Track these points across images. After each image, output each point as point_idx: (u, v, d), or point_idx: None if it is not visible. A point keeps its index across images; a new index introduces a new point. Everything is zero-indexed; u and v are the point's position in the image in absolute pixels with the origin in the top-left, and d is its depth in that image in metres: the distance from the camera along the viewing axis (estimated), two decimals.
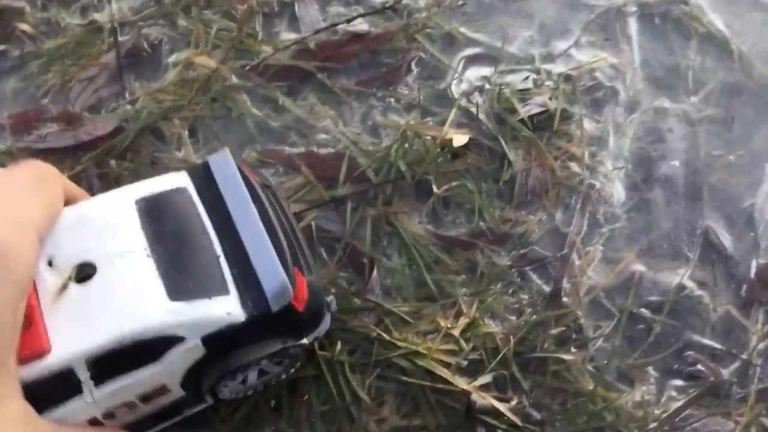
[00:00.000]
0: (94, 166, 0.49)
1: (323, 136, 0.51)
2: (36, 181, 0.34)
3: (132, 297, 0.33)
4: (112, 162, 0.49)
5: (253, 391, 0.41)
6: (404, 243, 0.46)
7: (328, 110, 0.51)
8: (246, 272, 0.36)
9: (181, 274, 0.35)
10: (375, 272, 0.45)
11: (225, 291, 0.35)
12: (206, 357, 0.35)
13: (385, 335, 0.43)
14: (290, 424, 0.41)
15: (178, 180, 0.38)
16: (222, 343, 0.35)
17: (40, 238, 0.33)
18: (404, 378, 0.42)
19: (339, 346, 0.43)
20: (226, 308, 0.35)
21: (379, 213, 0.47)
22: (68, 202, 0.36)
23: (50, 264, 0.34)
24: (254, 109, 0.51)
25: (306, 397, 0.42)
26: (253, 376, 0.39)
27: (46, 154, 0.49)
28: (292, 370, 0.41)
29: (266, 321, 0.36)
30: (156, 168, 0.49)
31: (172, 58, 0.53)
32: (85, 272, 0.34)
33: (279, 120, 0.51)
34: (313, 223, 0.47)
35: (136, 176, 0.48)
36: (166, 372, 0.35)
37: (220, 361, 0.36)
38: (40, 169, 0.35)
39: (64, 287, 0.33)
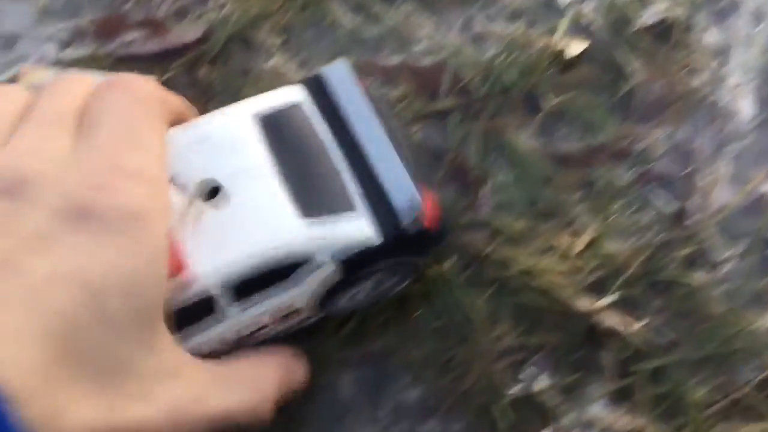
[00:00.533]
0: (183, 74, 0.48)
1: (421, 46, 0.49)
2: (140, 110, 0.29)
3: (264, 217, 0.33)
4: (202, 70, 0.48)
5: (362, 308, 0.40)
6: (514, 158, 0.45)
7: (425, 19, 0.50)
8: (374, 189, 0.35)
9: (310, 192, 0.34)
10: (484, 188, 0.44)
11: (354, 209, 0.35)
12: (337, 276, 0.35)
13: (498, 253, 0.42)
14: (399, 340, 0.41)
15: (295, 93, 0.37)
16: (353, 262, 0.35)
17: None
18: (520, 297, 0.41)
19: (449, 263, 0.42)
20: (358, 227, 0.34)
21: (485, 127, 0.46)
22: (175, 118, 0.35)
23: (173, 183, 0.33)
24: (347, 17, 0.50)
25: (416, 314, 0.41)
26: (364, 292, 0.39)
27: (131, 62, 0.48)
28: (403, 285, 0.40)
29: (397, 239, 0.35)
30: (247, 77, 0.48)
31: None
32: (209, 191, 0.34)
33: (373, 29, 0.49)
34: (415, 137, 0.45)
35: (227, 85, 0.47)
36: (300, 293, 0.35)
37: (348, 280, 0.36)
38: (139, 89, 0.30)
39: (190, 207, 0.33)
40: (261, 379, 0.32)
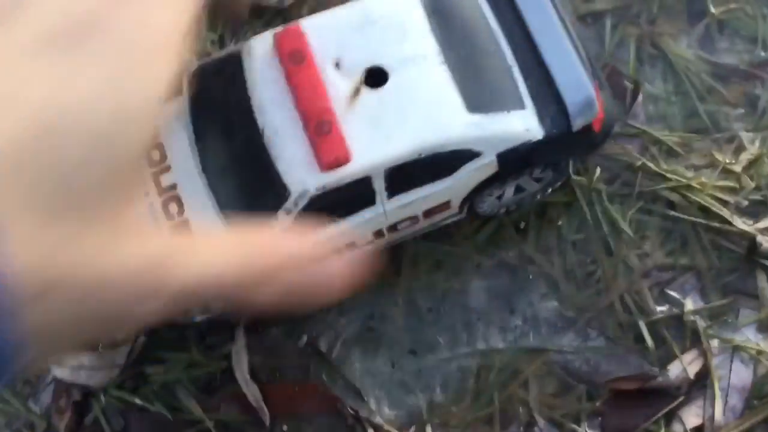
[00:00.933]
0: None
1: None
2: None
3: (430, 107, 0.32)
4: None
5: (504, 211, 0.39)
6: (671, 68, 0.42)
7: None
8: (543, 85, 0.34)
9: (476, 85, 0.33)
10: (639, 97, 0.41)
11: (522, 105, 0.33)
12: (496, 174, 0.34)
13: (651, 165, 0.40)
14: (537, 249, 0.40)
15: None
16: (514, 160, 0.34)
17: None
18: (673, 213, 0.39)
19: (597, 172, 0.40)
20: (525, 124, 0.33)
21: (642, 32, 0.43)
22: None
23: (337, 66, 0.32)
24: None
25: (557, 223, 0.40)
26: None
27: None
28: (549, 191, 0.39)
29: (563, 140, 0.34)
30: None
31: None
32: (375, 77, 0.33)
33: None
34: None
35: None
36: (456, 188, 0.34)
37: (503, 174, 0.35)
38: None
39: (356, 92, 0.32)
40: (260, 251, 0.25)
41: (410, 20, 0.34)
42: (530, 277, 0.39)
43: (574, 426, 0.37)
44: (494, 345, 0.39)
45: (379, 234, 0.35)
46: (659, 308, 0.38)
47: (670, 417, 0.36)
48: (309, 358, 0.39)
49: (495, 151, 0.33)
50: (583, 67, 0.34)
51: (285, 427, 0.38)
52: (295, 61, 0.32)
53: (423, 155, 0.32)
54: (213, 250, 0.25)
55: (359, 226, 0.34)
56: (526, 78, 0.34)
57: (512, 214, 0.40)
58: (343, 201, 0.33)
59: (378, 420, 0.37)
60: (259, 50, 0.33)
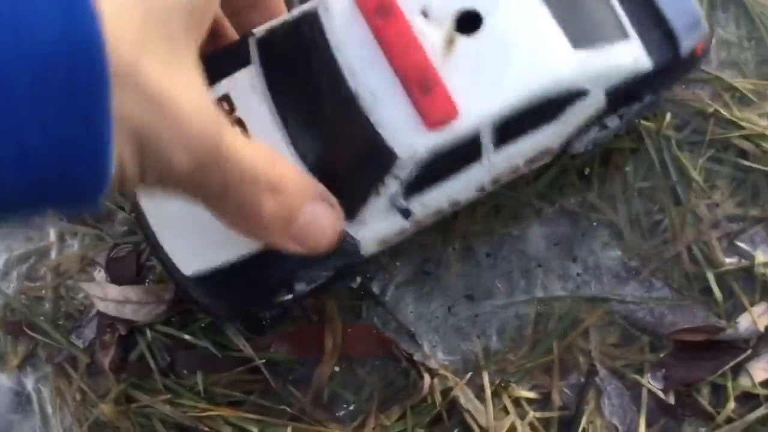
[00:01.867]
0: None
1: None
2: None
3: (533, 48, 0.31)
4: None
5: (592, 147, 0.38)
6: (745, 12, 0.42)
7: None
8: (643, 10, 0.33)
9: (576, 18, 0.32)
10: (711, 42, 0.41)
11: (625, 35, 0.32)
12: (602, 111, 0.33)
13: (723, 112, 0.39)
14: (601, 196, 0.39)
15: None
16: (623, 95, 0.33)
17: None
18: (744, 162, 0.39)
19: (667, 118, 0.40)
20: (631, 55, 0.32)
21: None
22: None
23: (425, 15, 0.31)
24: None
25: (623, 170, 0.39)
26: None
27: None
28: (621, 132, 0.38)
29: (672, 66, 0.33)
30: None
31: None
32: (468, 22, 0.31)
33: None
34: None
35: None
36: (561, 130, 0.33)
37: (611, 115, 0.34)
38: None
39: (450, 41, 0.30)
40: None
41: None
42: (593, 224, 0.39)
43: (637, 377, 0.36)
44: (553, 293, 0.38)
45: (481, 189, 0.34)
46: (728, 260, 0.38)
47: (738, 370, 0.36)
48: (361, 301, 0.39)
49: (603, 87, 0.32)
50: None
51: (337, 368, 0.38)
52: (381, 15, 0.30)
53: (533, 101, 0.30)
54: (252, 150, 0.27)
55: (464, 183, 0.33)
56: (624, 4, 0.33)
57: (574, 159, 0.39)
58: (449, 160, 0.31)
59: (433, 364, 0.37)
60: (338, 6, 0.31)
